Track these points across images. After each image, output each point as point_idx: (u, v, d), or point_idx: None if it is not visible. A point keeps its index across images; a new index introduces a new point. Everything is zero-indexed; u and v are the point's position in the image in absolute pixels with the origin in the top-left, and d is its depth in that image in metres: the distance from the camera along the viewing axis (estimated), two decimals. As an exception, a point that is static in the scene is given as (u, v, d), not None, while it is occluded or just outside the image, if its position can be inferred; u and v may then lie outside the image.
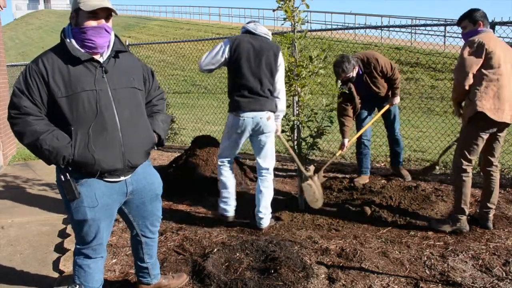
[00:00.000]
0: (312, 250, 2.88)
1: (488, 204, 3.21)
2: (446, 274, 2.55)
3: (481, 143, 3.04)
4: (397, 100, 4.30)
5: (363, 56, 4.12)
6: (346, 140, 4.20)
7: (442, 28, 16.30)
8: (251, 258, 2.78)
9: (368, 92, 4.20)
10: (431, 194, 3.87)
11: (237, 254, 2.83)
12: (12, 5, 54.31)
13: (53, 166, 1.92)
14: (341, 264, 2.69)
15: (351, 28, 7.30)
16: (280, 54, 3.18)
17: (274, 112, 3.20)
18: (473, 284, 2.43)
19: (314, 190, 3.53)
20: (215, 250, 2.91)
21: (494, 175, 3.21)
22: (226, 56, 3.11)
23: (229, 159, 3.38)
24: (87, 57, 1.85)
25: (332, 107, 3.62)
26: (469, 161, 3.07)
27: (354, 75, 4.05)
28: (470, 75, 2.94)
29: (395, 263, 2.72)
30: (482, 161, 3.27)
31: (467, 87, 2.97)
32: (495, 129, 3.03)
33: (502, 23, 4.40)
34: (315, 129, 3.57)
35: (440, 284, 2.45)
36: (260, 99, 3.11)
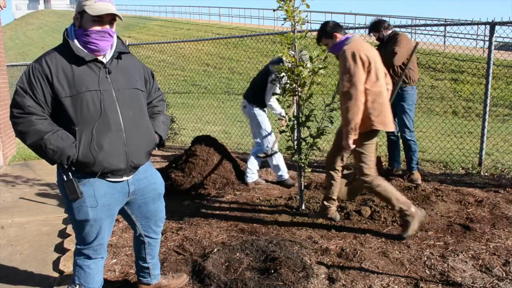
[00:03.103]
0: (312, 250, 2.88)
1: None
2: (446, 274, 2.55)
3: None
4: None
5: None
6: None
7: (442, 28, 16.27)
8: (251, 258, 2.79)
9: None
10: (431, 194, 3.87)
11: (237, 254, 2.83)
12: (12, 5, 54.35)
13: (54, 166, 1.92)
14: (341, 264, 2.69)
15: (351, 28, 7.30)
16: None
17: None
18: (473, 284, 2.43)
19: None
20: (215, 250, 2.91)
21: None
22: None
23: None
24: (91, 58, 1.86)
25: (332, 107, 3.62)
26: (343, 162, 3.23)
27: (382, 34, 4.34)
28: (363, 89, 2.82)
29: (395, 263, 2.72)
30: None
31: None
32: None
33: (502, 23, 4.40)
34: (315, 129, 3.57)
35: (440, 284, 2.45)
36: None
